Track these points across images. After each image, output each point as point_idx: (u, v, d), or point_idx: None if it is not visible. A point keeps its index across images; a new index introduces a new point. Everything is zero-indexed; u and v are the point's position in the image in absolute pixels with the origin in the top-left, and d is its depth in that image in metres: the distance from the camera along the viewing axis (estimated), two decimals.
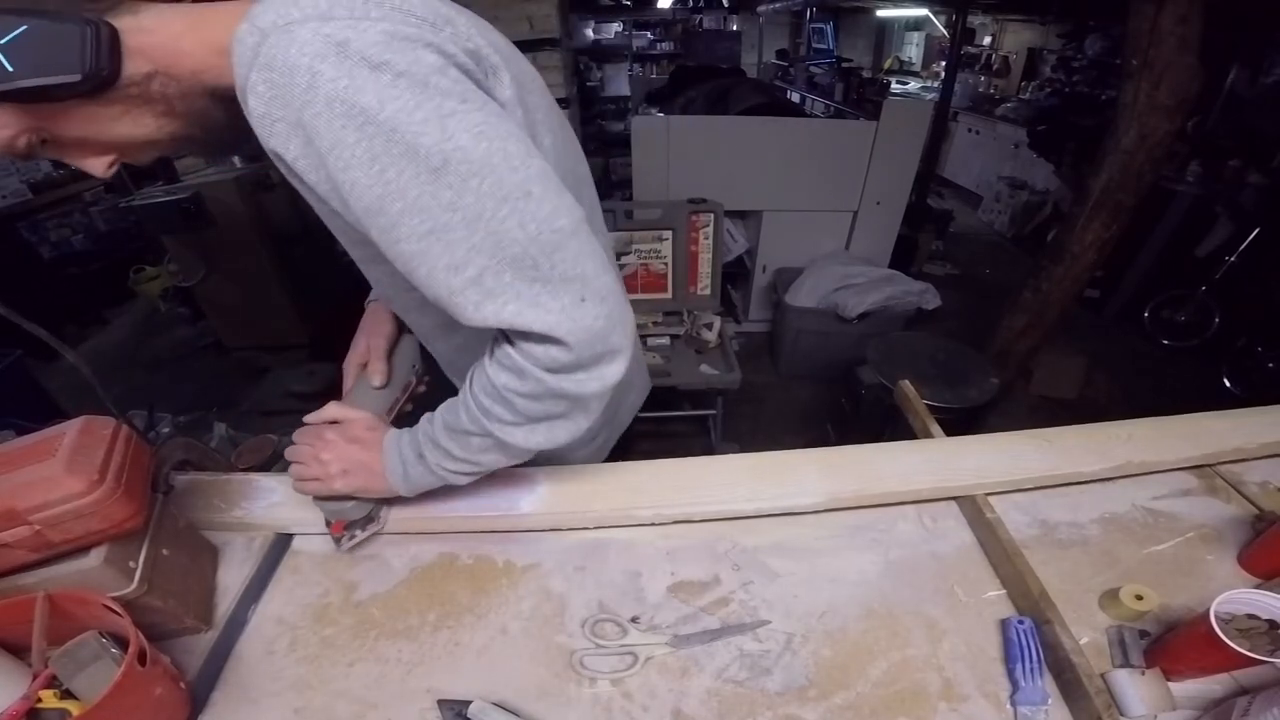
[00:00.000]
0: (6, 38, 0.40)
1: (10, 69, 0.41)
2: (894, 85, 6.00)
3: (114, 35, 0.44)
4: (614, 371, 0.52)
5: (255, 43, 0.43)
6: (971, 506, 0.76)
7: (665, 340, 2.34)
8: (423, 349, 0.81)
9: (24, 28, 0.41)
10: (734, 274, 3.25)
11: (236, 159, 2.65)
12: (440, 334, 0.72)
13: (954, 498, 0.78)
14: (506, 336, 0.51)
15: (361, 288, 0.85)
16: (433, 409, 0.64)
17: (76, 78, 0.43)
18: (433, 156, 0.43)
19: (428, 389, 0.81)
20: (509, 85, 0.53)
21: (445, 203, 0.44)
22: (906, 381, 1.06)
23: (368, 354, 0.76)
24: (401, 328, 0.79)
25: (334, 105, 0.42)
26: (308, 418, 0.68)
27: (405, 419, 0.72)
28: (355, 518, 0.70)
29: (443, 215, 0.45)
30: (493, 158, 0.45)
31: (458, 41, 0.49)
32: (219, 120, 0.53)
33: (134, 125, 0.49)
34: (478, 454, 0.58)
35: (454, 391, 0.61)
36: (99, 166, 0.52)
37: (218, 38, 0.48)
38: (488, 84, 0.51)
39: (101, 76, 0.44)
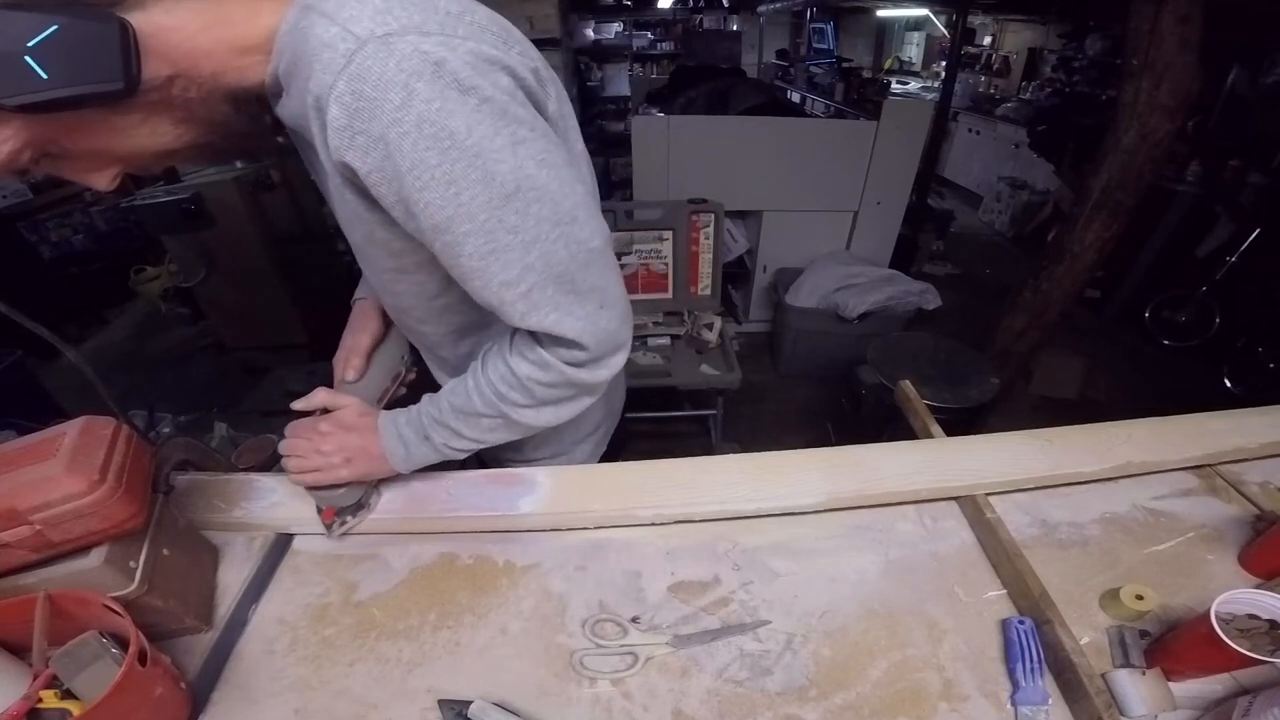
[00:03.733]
0: (37, 39, 0.34)
1: (44, 76, 0.35)
2: (894, 85, 5.97)
3: (133, 34, 0.39)
4: (619, 360, 0.60)
5: (349, 50, 0.41)
6: (972, 506, 0.76)
7: (665, 340, 2.34)
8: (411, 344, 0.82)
9: (55, 27, 0.35)
10: (734, 274, 3.25)
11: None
12: (451, 341, 0.73)
13: (954, 498, 0.78)
14: (535, 335, 0.56)
15: None
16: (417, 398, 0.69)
17: (119, 86, 0.38)
18: (506, 183, 0.46)
19: (418, 377, 0.83)
20: (554, 98, 0.54)
21: (509, 226, 0.48)
22: (907, 381, 1.06)
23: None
24: (388, 324, 0.80)
25: (423, 126, 0.42)
26: (295, 404, 0.69)
27: (399, 404, 0.72)
28: (346, 504, 0.70)
29: (504, 237, 0.48)
30: (551, 184, 0.48)
31: (524, 60, 0.49)
32: (239, 127, 0.49)
33: (151, 135, 0.45)
34: (486, 433, 0.63)
35: (437, 385, 0.66)
36: (103, 180, 0.48)
37: (240, 36, 0.45)
38: (542, 100, 0.52)
39: (135, 83, 0.39)
